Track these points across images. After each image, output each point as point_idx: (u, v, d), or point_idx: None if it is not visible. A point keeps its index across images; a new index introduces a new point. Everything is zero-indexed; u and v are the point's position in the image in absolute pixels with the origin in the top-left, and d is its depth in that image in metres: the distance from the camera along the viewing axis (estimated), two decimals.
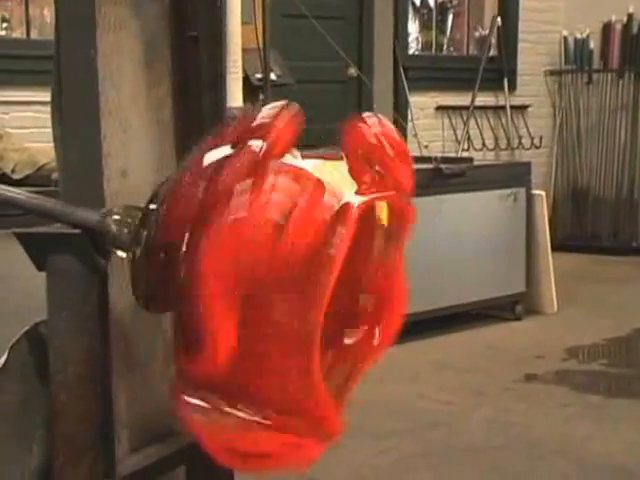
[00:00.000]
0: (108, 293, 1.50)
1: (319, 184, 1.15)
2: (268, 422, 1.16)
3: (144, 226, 1.27)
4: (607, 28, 7.90)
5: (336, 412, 1.21)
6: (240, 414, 1.16)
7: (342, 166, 1.26)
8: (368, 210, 1.20)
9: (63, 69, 1.47)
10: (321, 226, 1.12)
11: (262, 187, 1.13)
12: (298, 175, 1.16)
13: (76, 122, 1.49)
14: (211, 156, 1.21)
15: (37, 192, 1.50)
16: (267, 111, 1.22)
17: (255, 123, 1.21)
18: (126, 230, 1.31)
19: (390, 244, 1.31)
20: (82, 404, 1.40)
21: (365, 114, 1.31)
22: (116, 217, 1.34)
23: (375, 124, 1.29)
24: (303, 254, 1.10)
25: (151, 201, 1.28)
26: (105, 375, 1.48)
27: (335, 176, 1.22)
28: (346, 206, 1.15)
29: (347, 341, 1.31)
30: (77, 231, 1.40)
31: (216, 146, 1.22)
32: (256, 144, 1.18)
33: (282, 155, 1.21)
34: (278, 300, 1.12)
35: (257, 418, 1.16)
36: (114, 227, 1.33)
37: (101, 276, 1.45)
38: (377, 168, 1.25)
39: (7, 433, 1.40)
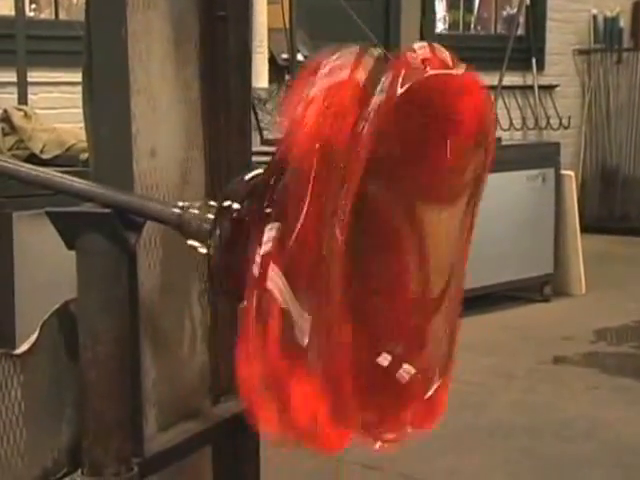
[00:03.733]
0: (137, 272, 1.51)
1: None
2: None
3: (220, 222, 1.30)
4: (637, 6, 7.82)
5: None
6: None
7: None
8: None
9: (94, 49, 1.48)
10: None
11: None
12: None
13: (106, 101, 1.50)
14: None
15: (66, 172, 1.51)
16: None
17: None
18: (206, 225, 1.33)
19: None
20: (111, 382, 1.41)
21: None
22: (194, 211, 1.36)
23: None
24: None
25: (226, 198, 1.30)
26: (134, 354, 1.49)
27: None
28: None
29: None
30: (107, 210, 1.41)
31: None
32: None
33: None
34: None
35: None
36: (194, 223, 1.34)
37: (130, 256, 1.46)
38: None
39: (37, 411, 1.41)
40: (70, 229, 1.41)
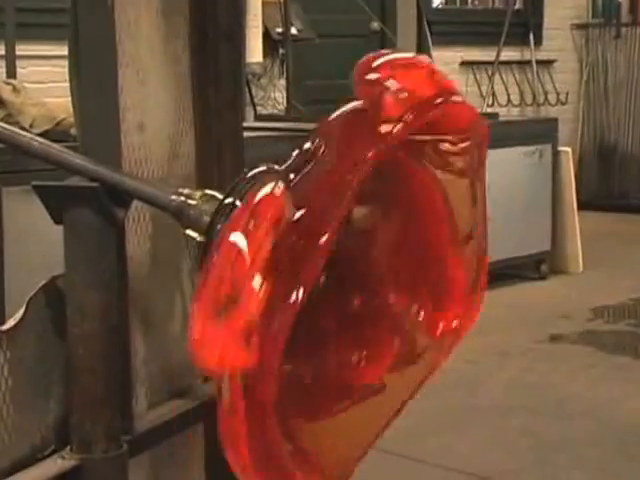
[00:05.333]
0: (126, 248, 1.49)
1: None
2: None
3: (219, 217, 1.30)
4: None
5: None
6: None
7: None
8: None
9: (79, 19, 1.45)
10: None
11: None
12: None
13: (93, 74, 1.47)
14: None
15: None
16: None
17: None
18: (206, 218, 1.33)
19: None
20: (99, 359, 1.39)
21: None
22: (191, 202, 1.36)
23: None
24: None
25: (228, 195, 1.31)
26: (123, 330, 1.47)
27: None
28: None
29: None
30: (94, 184, 1.39)
31: None
32: None
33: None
34: None
35: None
36: (192, 211, 1.35)
37: (119, 230, 1.44)
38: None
39: (24, 388, 1.39)
40: (57, 203, 1.40)
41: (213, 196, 1.36)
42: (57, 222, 1.41)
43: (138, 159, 1.55)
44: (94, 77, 1.46)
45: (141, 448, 1.51)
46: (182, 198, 1.37)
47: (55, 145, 1.45)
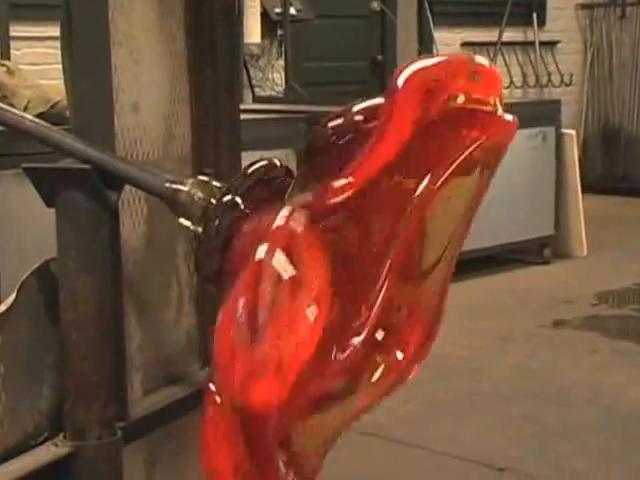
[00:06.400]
0: (119, 231, 1.46)
1: None
2: None
3: (216, 213, 1.30)
4: None
5: None
6: None
7: None
8: None
9: None
10: None
11: None
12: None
13: (86, 53, 1.44)
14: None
15: None
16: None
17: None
18: (200, 204, 1.34)
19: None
20: (92, 344, 1.37)
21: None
22: (186, 189, 1.35)
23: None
24: None
25: (227, 192, 1.31)
26: (117, 315, 1.45)
27: None
28: None
29: None
30: (86, 166, 1.36)
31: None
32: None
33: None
34: None
35: None
36: (188, 201, 1.35)
37: (111, 213, 1.41)
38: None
39: (17, 374, 1.36)
40: (48, 186, 1.37)
41: (207, 182, 1.35)
42: (49, 205, 1.39)
43: (132, 140, 1.52)
44: (87, 56, 1.44)
45: (136, 435, 1.49)
46: (176, 186, 1.35)
47: (44, 123, 1.42)
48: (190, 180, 1.36)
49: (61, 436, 1.38)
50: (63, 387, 1.39)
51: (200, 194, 1.34)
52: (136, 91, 1.52)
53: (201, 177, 1.37)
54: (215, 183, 1.36)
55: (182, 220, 1.36)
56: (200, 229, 1.33)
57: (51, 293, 1.40)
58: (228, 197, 1.30)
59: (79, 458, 1.37)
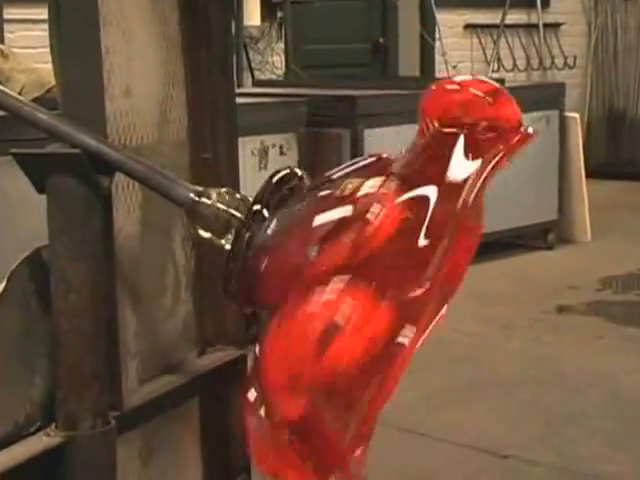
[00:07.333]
0: (112, 217, 1.43)
1: None
2: None
3: (245, 227, 1.29)
4: None
5: None
6: None
7: None
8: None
9: None
10: None
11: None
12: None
13: (75, 34, 1.40)
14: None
15: None
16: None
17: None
18: (225, 216, 1.33)
19: None
20: (85, 332, 1.34)
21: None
22: (206, 201, 1.34)
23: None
24: None
25: (255, 203, 1.30)
26: (110, 303, 1.42)
27: None
28: None
29: None
30: (76, 151, 1.33)
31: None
32: None
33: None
34: None
35: None
36: (208, 211, 1.34)
37: (104, 198, 1.38)
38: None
39: (8, 363, 1.34)
40: (38, 171, 1.34)
41: (233, 194, 1.34)
42: (40, 191, 1.36)
43: (126, 125, 1.49)
44: (76, 37, 1.40)
45: (131, 424, 1.47)
46: (200, 198, 1.34)
47: (33, 104, 1.39)
48: (214, 191, 1.35)
49: (53, 426, 1.35)
50: (55, 376, 1.36)
51: (223, 206, 1.33)
52: (128, 74, 1.49)
53: (224, 189, 1.36)
54: (238, 195, 1.35)
55: (202, 232, 1.35)
56: (224, 242, 1.32)
57: (42, 281, 1.37)
58: (257, 207, 1.29)
59: (71, 448, 1.34)
